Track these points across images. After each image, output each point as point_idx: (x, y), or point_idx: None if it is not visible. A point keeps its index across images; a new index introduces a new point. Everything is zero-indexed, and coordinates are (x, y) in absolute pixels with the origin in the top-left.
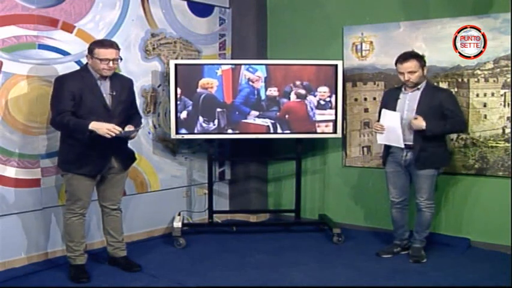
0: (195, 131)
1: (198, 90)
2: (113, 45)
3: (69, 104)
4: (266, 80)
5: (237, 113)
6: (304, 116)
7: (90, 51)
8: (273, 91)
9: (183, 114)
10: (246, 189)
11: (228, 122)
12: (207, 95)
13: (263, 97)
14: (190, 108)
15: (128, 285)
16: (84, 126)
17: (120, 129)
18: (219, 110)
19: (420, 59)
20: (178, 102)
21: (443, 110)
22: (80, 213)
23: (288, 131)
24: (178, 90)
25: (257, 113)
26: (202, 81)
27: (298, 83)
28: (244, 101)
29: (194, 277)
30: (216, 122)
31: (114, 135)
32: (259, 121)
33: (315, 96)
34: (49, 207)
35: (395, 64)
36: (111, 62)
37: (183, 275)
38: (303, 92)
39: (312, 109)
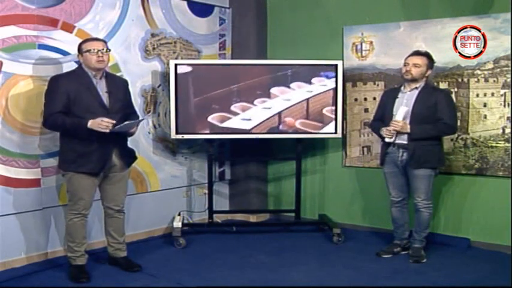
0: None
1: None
2: (98, 39)
3: (60, 105)
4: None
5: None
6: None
7: (79, 49)
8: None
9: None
10: (246, 189)
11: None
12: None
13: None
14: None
15: (128, 285)
16: (82, 126)
17: (112, 121)
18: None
19: (430, 60)
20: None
21: (437, 110)
22: (82, 214)
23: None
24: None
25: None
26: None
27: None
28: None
29: (194, 277)
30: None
31: (105, 127)
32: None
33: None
34: (49, 207)
35: (406, 59)
36: (100, 52)
37: (183, 275)
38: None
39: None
